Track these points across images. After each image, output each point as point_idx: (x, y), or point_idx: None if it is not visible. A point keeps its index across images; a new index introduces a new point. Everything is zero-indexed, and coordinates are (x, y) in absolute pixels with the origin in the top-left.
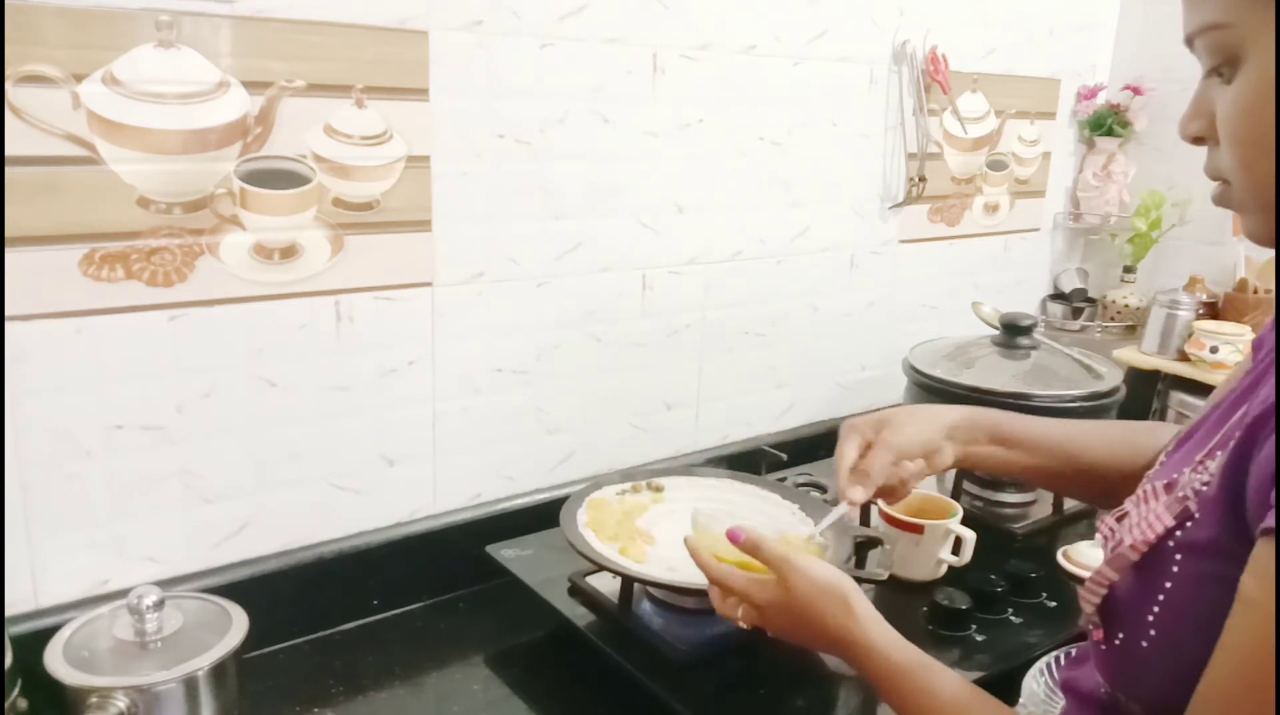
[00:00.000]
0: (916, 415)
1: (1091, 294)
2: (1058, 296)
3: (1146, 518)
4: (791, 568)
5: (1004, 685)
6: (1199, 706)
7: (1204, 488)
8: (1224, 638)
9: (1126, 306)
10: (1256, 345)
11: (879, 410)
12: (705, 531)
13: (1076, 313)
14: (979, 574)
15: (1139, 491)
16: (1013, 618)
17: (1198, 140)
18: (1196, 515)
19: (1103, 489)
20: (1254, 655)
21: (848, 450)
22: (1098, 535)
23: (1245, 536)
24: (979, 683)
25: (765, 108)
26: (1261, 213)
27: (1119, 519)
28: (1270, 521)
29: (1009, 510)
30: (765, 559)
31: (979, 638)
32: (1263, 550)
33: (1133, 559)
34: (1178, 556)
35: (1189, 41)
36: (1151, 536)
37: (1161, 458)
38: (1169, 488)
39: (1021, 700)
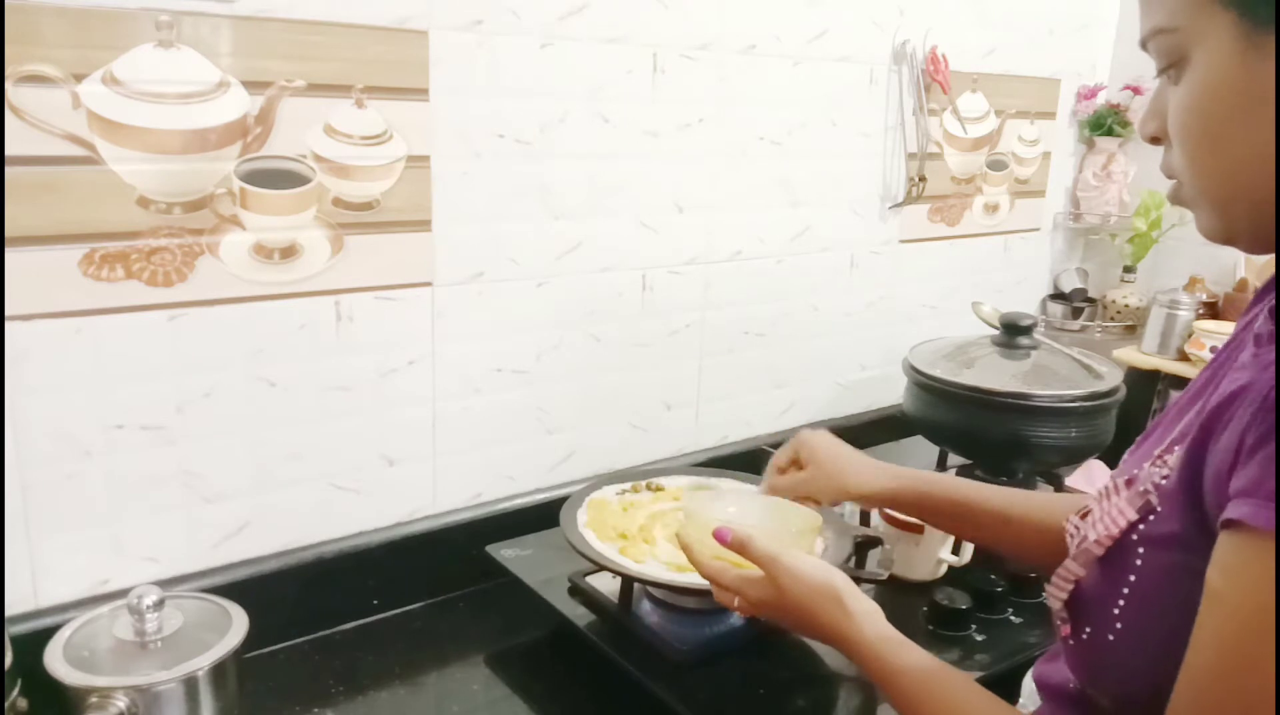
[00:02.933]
0: (844, 478)
1: (1091, 294)
2: (1058, 296)
3: (1110, 513)
4: (781, 568)
5: (1004, 685)
6: (1178, 703)
7: (1164, 481)
8: (1195, 633)
9: (1126, 306)
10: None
11: (828, 448)
12: (697, 521)
13: (1076, 313)
14: (979, 574)
15: (1100, 489)
16: (1013, 618)
17: (1155, 140)
18: (1158, 508)
19: (1034, 541)
20: (1226, 647)
21: (780, 457)
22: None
23: (1205, 528)
24: (979, 682)
25: (765, 108)
26: (1210, 210)
27: (1083, 516)
28: (1231, 513)
29: None
30: (754, 558)
31: (979, 638)
32: (1225, 543)
33: (1097, 554)
34: (1141, 550)
35: (1143, 44)
36: (1115, 531)
37: (1124, 456)
38: (1129, 483)
39: (1021, 700)
